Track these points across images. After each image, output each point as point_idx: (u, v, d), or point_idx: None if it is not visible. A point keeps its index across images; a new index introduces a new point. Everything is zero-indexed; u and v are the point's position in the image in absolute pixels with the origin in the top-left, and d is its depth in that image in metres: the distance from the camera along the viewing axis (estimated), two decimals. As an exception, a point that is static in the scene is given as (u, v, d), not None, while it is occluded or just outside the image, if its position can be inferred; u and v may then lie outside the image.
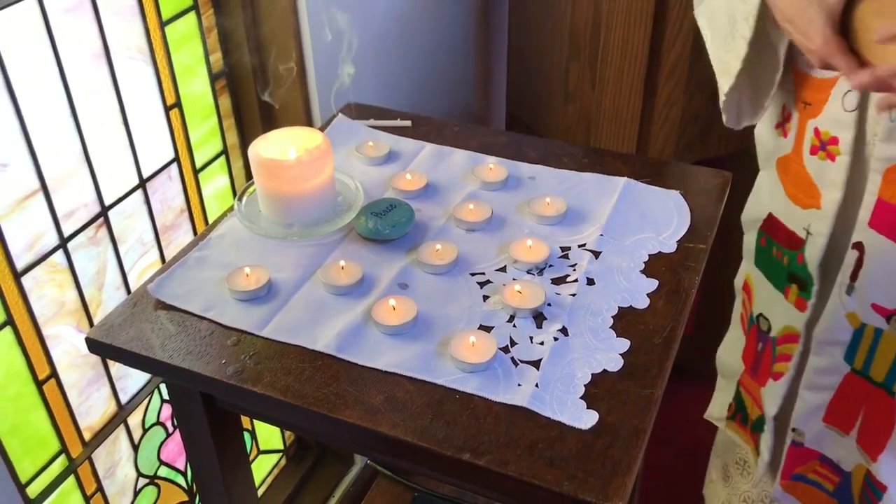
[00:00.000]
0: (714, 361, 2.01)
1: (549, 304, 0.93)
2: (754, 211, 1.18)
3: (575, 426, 0.80)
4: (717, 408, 1.37)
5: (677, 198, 1.10)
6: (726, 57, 1.02)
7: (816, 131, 0.99)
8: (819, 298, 1.06)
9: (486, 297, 0.95)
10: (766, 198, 1.14)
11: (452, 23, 1.72)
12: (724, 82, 1.04)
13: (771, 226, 1.12)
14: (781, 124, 1.07)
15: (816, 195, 1.02)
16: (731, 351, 1.31)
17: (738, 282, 1.27)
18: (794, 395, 1.15)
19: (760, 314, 1.18)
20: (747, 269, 1.23)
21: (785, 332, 1.13)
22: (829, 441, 1.14)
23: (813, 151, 1.01)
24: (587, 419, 0.80)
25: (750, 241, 1.20)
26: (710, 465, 1.51)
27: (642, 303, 0.94)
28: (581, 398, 0.82)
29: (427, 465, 0.84)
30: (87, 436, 1.20)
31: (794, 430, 1.16)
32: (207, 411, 0.97)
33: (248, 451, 1.56)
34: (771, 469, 1.25)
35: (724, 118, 1.09)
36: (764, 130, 1.13)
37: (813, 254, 1.04)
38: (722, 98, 1.05)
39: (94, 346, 0.92)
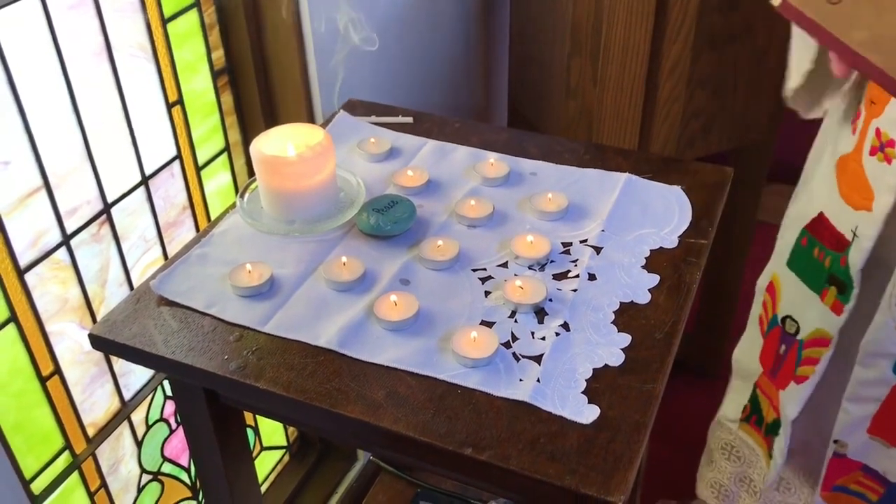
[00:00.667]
0: (714, 358, 2.01)
1: (550, 300, 0.94)
2: (803, 209, 1.15)
3: (576, 421, 0.80)
4: (732, 409, 1.36)
5: (679, 193, 1.10)
6: (799, 54, 1.01)
7: (878, 132, 0.98)
8: (856, 303, 1.05)
9: (487, 293, 0.95)
10: (818, 196, 1.11)
11: (454, 19, 1.72)
12: (794, 79, 1.03)
13: (819, 225, 1.10)
14: (855, 120, 1.05)
15: (870, 197, 1.00)
16: (747, 352, 1.30)
17: (762, 282, 1.25)
18: (815, 399, 1.13)
19: (788, 316, 1.16)
20: (775, 270, 1.21)
21: (815, 335, 1.12)
22: (874, 452, 1.12)
23: (872, 152, 0.99)
24: (588, 414, 0.80)
25: (787, 241, 1.17)
26: (703, 455, 1.51)
27: (643, 298, 0.94)
28: (582, 393, 0.83)
29: (429, 460, 0.84)
30: (90, 432, 1.20)
31: (836, 441, 1.14)
32: (210, 407, 0.97)
33: (252, 447, 1.56)
34: (792, 470, 1.23)
35: (802, 113, 1.08)
36: (832, 124, 1.10)
37: (856, 257, 1.02)
38: (789, 94, 1.05)
39: (97, 342, 0.93)
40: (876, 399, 1.08)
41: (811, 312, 1.12)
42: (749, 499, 1.38)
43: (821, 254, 1.10)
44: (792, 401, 1.17)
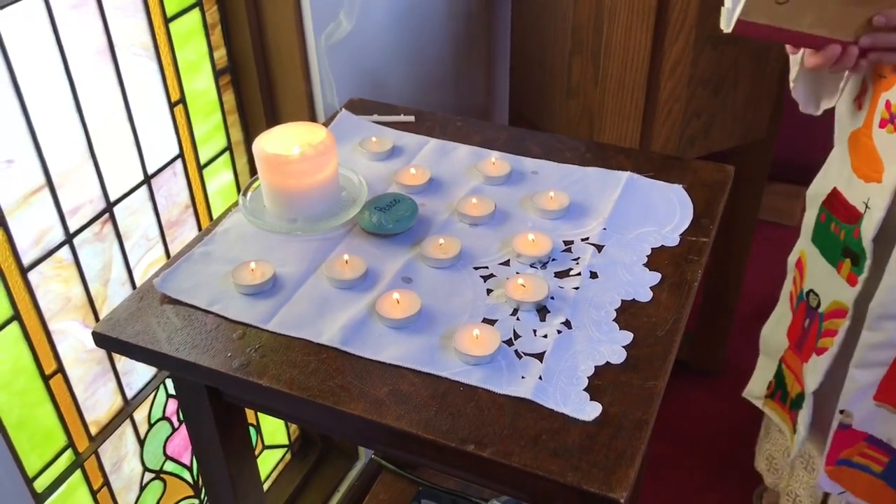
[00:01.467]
0: (715, 357, 2.02)
1: (552, 298, 0.94)
2: (820, 186, 1.18)
3: (578, 418, 0.80)
4: (757, 386, 1.39)
5: (680, 192, 1.10)
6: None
7: (888, 104, 1.00)
8: (871, 273, 1.07)
9: (489, 291, 0.95)
10: (833, 173, 1.14)
11: (456, 18, 1.72)
12: (793, 71, 1.06)
13: (834, 200, 1.13)
14: (858, 97, 1.07)
15: (880, 169, 1.02)
16: (776, 328, 1.32)
17: (792, 259, 1.28)
18: (835, 373, 1.15)
19: (811, 290, 1.19)
20: (802, 246, 1.24)
21: (833, 307, 1.14)
22: (879, 420, 1.14)
23: (882, 124, 1.01)
24: (590, 411, 0.81)
25: (810, 217, 1.20)
26: (762, 423, 1.53)
27: (645, 296, 0.94)
28: (584, 390, 0.83)
29: (431, 457, 0.84)
30: (93, 430, 1.21)
31: (841, 412, 1.16)
32: (213, 405, 0.97)
33: (254, 445, 1.57)
34: (813, 434, 1.24)
35: (800, 106, 1.11)
36: (842, 105, 1.12)
37: (868, 228, 1.04)
38: (791, 86, 1.07)
39: (100, 339, 0.93)
40: (883, 363, 1.09)
41: (829, 285, 1.14)
42: (801, 474, 1.39)
43: (836, 228, 1.12)
44: (813, 372, 1.18)
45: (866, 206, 1.05)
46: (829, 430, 1.19)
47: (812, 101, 1.11)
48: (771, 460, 1.46)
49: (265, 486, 1.62)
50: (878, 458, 1.18)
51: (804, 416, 1.22)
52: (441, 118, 1.29)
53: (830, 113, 1.14)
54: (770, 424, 1.46)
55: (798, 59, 1.05)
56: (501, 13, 1.91)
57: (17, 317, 1.04)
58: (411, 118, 1.28)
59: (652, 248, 1.01)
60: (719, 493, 1.79)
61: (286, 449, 1.67)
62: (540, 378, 0.84)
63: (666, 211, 1.07)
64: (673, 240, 1.02)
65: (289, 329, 0.91)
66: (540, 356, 0.87)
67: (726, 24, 0.93)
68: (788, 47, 1.01)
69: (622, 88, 1.47)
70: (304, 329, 0.91)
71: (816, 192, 1.19)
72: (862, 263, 1.07)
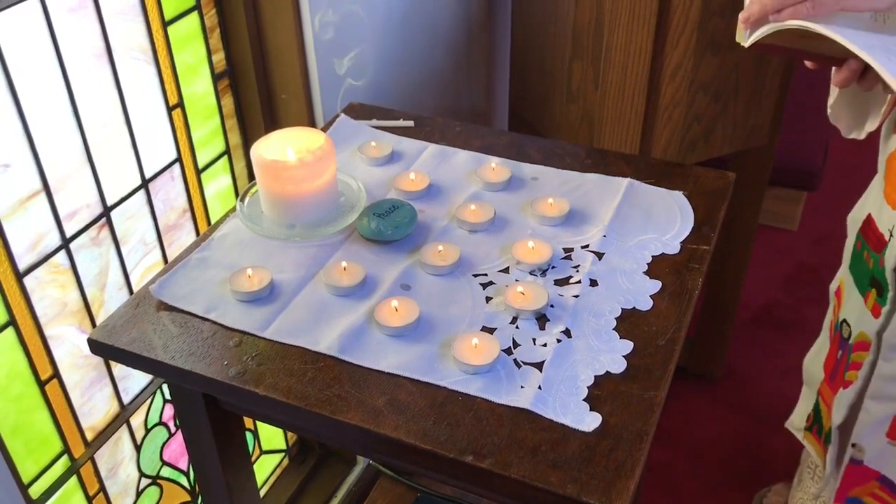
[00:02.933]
0: (715, 363, 2.01)
1: (551, 306, 0.93)
2: (858, 212, 1.13)
3: (578, 429, 0.79)
4: (798, 417, 1.34)
5: (681, 199, 1.10)
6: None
7: None
8: (893, 305, 1.01)
9: (488, 299, 0.95)
10: (870, 198, 1.10)
11: (455, 22, 1.71)
12: (832, 96, 1.01)
13: (867, 228, 1.08)
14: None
15: None
16: (816, 357, 1.27)
17: (833, 286, 1.23)
18: (858, 407, 1.10)
19: (844, 320, 1.14)
20: (842, 274, 1.19)
21: (859, 338, 1.10)
22: (893, 461, 1.09)
23: None
24: (590, 421, 0.80)
25: (849, 244, 1.15)
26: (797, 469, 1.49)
27: (645, 304, 0.94)
28: (584, 400, 0.82)
29: (429, 467, 0.84)
30: (89, 436, 1.20)
31: (853, 445, 1.12)
32: (210, 412, 0.97)
33: (251, 451, 1.56)
34: (833, 481, 1.20)
35: (842, 131, 1.06)
36: (885, 129, 1.08)
37: (891, 257, 0.99)
38: (829, 110, 1.03)
39: (96, 347, 0.92)
40: None
41: (858, 316, 1.10)
42: (814, 486, 1.37)
43: (867, 256, 1.07)
44: (838, 406, 1.14)
45: (891, 234, 1.00)
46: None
47: (857, 124, 1.05)
48: None
49: (262, 492, 1.61)
50: (889, 502, 1.13)
51: (832, 452, 1.18)
52: (440, 123, 1.28)
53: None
54: (804, 472, 1.41)
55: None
56: (501, 17, 1.91)
57: (12, 322, 1.03)
58: (410, 123, 1.27)
59: (652, 256, 1.00)
60: (718, 498, 1.78)
61: (284, 454, 1.67)
62: (539, 388, 0.83)
63: (666, 218, 1.06)
64: (674, 248, 1.02)
65: (286, 337, 0.90)
66: (539, 365, 0.86)
67: (744, 39, 0.90)
68: (809, 63, 0.96)
69: (622, 93, 1.46)
70: (301, 337, 0.90)
71: (855, 217, 1.14)
72: (885, 294, 1.02)
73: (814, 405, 1.27)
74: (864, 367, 1.09)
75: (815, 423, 1.27)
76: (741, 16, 0.88)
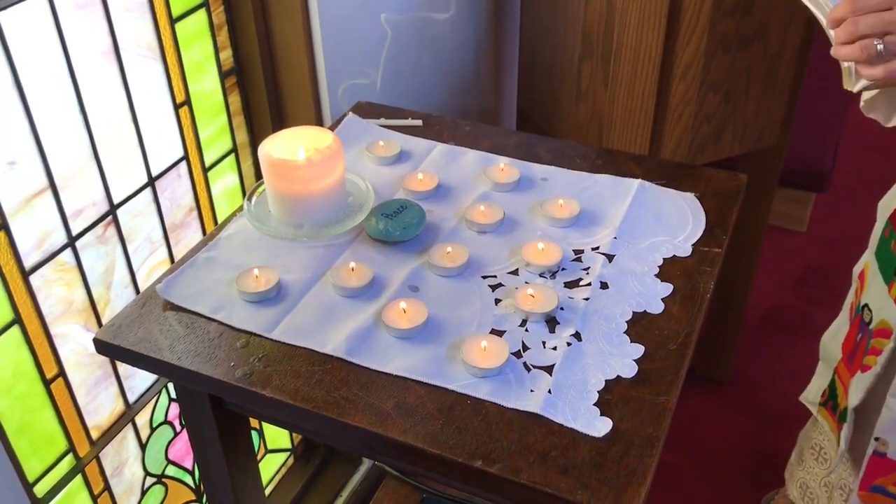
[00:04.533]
0: (723, 364, 2.00)
1: (561, 309, 0.92)
2: (890, 200, 1.14)
3: (588, 434, 0.78)
4: (813, 392, 1.36)
5: (692, 200, 1.09)
6: None
7: None
8: None
9: (497, 301, 0.94)
10: None
11: (464, 21, 1.70)
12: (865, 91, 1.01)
13: None
14: None
15: None
16: (835, 336, 1.30)
17: (857, 269, 1.25)
18: (877, 395, 1.12)
19: (866, 304, 1.16)
20: (867, 258, 1.20)
21: (880, 325, 1.11)
22: None
23: None
24: (601, 426, 0.79)
25: (878, 230, 1.17)
26: (794, 448, 1.50)
27: (657, 308, 0.92)
28: (594, 405, 0.81)
29: (438, 471, 0.83)
30: (94, 435, 1.19)
31: (877, 439, 1.13)
32: (215, 413, 0.96)
33: (256, 450, 1.55)
34: (852, 460, 1.22)
35: (876, 117, 1.05)
36: None
37: None
38: (862, 103, 1.03)
39: (101, 346, 0.92)
40: None
41: (881, 302, 1.11)
42: (818, 468, 1.37)
43: (895, 245, 1.08)
44: (856, 389, 1.16)
45: None
46: (863, 451, 1.16)
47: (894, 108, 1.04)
48: (805, 489, 1.43)
49: (268, 491, 1.61)
50: None
51: (846, 431, 1.20)
52: (449, 122, 1.27)
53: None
54: (804, 450, 1.43)
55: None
56: (510, 16, 1.90)
57: (18, 320, 1.03)
58: (419, 122, 1.26)
59: (664, 259, 0.99)
60: (726, 501, 1.77)
61: (289, 453, 1.66)
62: (549, 392, 0.82)
63: (678, 220, 1.05)
64: (685, 250, 1.00)
65: (293, 338, 0.90)
66: (549, 369, 0.85)
67: (851, 85, 0.90)
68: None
69: (632, 93, 1.45)
70: (308, 338, 0.89)
71: (887, 205, 1.15)
72: None
73: (830, 382, 1.29)
74: (883, 354, 1.10)
75: (831, 399, 1.29)
76: (864, 71, 0.86)
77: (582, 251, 1.01)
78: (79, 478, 1.18)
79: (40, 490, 1.11)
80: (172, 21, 1.15)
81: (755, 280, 1.89)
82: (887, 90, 1.02)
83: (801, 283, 2.31)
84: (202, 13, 1.20)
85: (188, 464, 1.41)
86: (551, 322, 0.91)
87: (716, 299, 1.93)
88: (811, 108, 2.25)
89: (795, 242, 2.47)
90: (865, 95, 1.03)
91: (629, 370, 0.85)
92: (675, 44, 1.41)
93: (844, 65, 0.89)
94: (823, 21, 0.89)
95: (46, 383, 1.09)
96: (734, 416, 1.95)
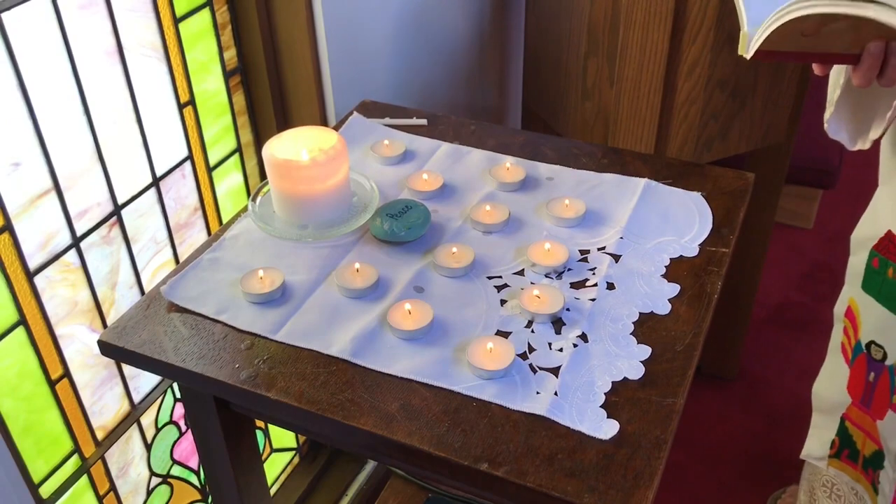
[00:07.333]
0: (729, 362, 1.99)
1: (568, 310, 0.92)
2: (868, 230, 1.11)
3: (595, 436, 0.78)
4: (817, 446, 1.30)
5: (699, 200, 1.08)
6: (831, 82, 0.98)
7: None
8: None
9: (503, 302, 0.93)
10: (884, 215, 1.07)
11: (469, 18, 1.70)
12: (828, 110, 1.00)
13: (888, 244, 1.06)
14: None
15: None
16: (830, 383, 1.24)
17: (840, 309, 1.20)
18: None
19: (872, 342, 1.12)
20: (851, 294, 1.16)
21: None
22: None
23: None
24: (608, 429, 0.78)
25: (859, 263, 1.13)
26: (799, 486, 1.46)
27: (664, 308, 0.92)
28: (601, 407, 0.81)
29: (443, 474, 0.82)
30: (99, 435, 1.19)
31: None
32: (220, 414, 0.96)
33: (261, 449, 1.55)
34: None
35: (846, 144, 1.03)
36: (888, 143, 1.06)
37: None
38: (826, 125, 1.01)
39: (106, 348, 0.91)
40: None
41: (891, 334, 1.08)
42: None
43: (892, 272, 1.05)
44: (891, 431, 1.11)
45: None
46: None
47: (860, 133, 1.02)
48: None
49: (273, 490, 1.61)
50: None
51: (889, 474, 1.15)
52: (454, 121, 1.26)
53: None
54: (815, 489, 1.38)
55: (835, 92, 0.98)
56: (515, 13, 1.89)
57: (22, 321, 1.03)
58: (424, 121, 1.26)
59: (671, 259, 0.99)
60: (732, 499, 1.76)
61: (294, 452, 1.66)
62: (555, 394, 0.82)
63: (685, 219, 1.05)
64: (692, 250, 1.00)
65: (298, 340, 0.89)
66: (555, 371, 0.85)
67: (745, 50, 0.89)
68: (816, 67, 0.94)
69: (638, 90, 1.44)
70: (313, 340, 0.89)
71: (864, 236, 1.11)
72: None
73: (839, 431, 1.24)
74: None
75: (845, 447, 1.24)
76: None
77: (588, 251, 1.00)
78: (84, 478, 1.18)
79: (46, 491, 1.11)
80: (176, 21, 1.15)
81: (761, 277, 1.88)
82: (852, 110, 1.00)
83: (808, 280, 2.30)
84: (206, 12, 1.20)
85: (193, 464, 1.41)
86: (557, 323, 0.90)
87: (722, 296, 1.92)
88: (818, 105, 2.24)
89: (802, 239, 2.45)
90: (828, 115, 1.02)
91: (636, 372, 0.84)
92: (681, 40, 1.40)
93: (744, 30, 0.89)
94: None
95: (51, 384, 1.09)
96: (740, 414, 1.95)
